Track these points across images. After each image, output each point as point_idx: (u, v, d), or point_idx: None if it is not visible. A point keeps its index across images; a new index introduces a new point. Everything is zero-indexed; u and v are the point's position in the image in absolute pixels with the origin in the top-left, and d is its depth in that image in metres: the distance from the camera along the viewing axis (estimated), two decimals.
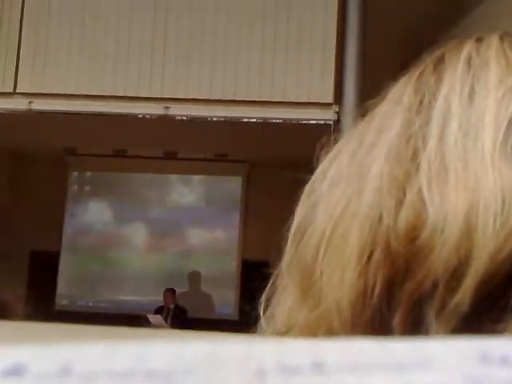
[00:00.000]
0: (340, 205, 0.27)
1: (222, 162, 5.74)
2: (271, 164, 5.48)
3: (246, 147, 5.14)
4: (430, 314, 0.23)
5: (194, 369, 0.11)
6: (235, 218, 5.90)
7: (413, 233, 0.24)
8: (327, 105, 4.14)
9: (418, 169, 0.25)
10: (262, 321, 0.31)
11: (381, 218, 0.25)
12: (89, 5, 4.27)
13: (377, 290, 0.24)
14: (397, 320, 0.24)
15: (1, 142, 4.87)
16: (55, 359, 0.11)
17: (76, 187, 6.04)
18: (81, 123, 4.54)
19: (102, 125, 4.54)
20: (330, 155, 0.31)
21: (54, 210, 5.76)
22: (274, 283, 0.32)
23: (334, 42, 4.07)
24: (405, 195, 0.25)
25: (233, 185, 5.93)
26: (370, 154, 0.28)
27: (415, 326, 0.23)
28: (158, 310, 4.75)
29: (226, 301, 5.73)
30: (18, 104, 4.35)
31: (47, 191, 5.65)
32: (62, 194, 5.91)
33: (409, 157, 0.26)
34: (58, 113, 4.33)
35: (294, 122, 4.29)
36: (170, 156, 5.72)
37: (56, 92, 4.29)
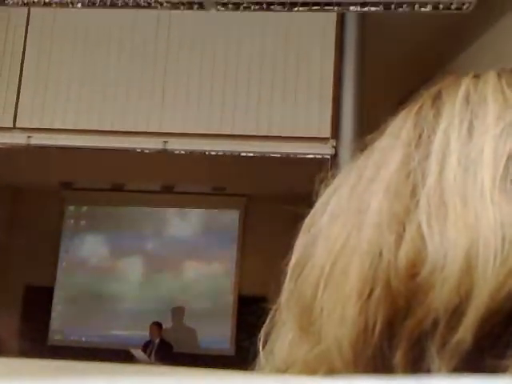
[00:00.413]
0: (340, 239, 0.27)
1: (219, 195, 5.75)
2: (269, 198, 5.49)
3: (244, 181, 5.15)
4: (432, 351, 0.23)
5: None
6: (232, 251, 5.87)
7: (413, 270, 0.24)
8: (324, 139, 4.18)
9: (417, 205, 0.25)
10: (261, 356, 0.31)
11: (381, 254, 0.25)
12: (90, 42, 4.34)
13: (377, 328, 0.24)
14: (398, 358, 0.23)
15: (0, 176, 4.89)
16: None
17: (72, 221, 6.02)
18: (79, 157, 4.56)
19: (100, 159, 4.56)
20: (330, 189, 0.31)
21: (50, 244, 5.73)
22: (272, 318, 0.31)
23: (332, 77, 4.13)
24: (404, 231, 0.25)
25: (230, 218, 5.92)
26: (369, 189, 0.28)
27: (417, 364, 0.23)
28: (147, 344, 4.68)
29: (222, 335, 5.65)
30: (17, 139, 4.37)
31: (43, 225, 5.64)
32: (57, 229, 5.89)
33: (408, 192, 0.26)
34: (56, 147, 4.35)
35: (291, 156, 4.31)
36: (168, 190, 5.73)
37: (55, 127, 4.33)
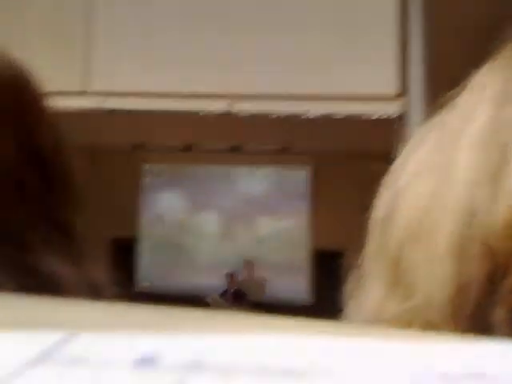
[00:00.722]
0: (425, 196, 0.26)
1: (287, 154, 5.76)
2: (337, 156, 5.42)
3: (310, 140, 5.11)
4: None
5: (332, 370, 0.10)
6: (303, 208, 5.93)
7: (511, 229, 0.23)
8: (392, 98, 4.01)
9: (509, 161, 0.24)
10: (348, 309, 0.31)
11: (474, 212, 0.24)
12: (156, 5, 4.39)
13: (477, 285, 0.23)
14: (498, 316, 0.23)
15: (77, 139, 5.15)
16: (187, 351, 0.11)
17: (149, 179, 6.32)
18: (150, 120, 4.71)
19: (171, 121, 4.69)
20: (410, 145, 0.30)
21: (130, 201, 6.07)
22: (357, 272, 0.31)
23: (399, 31, 3.92)
24: (498, 188, 0.24)
25: (299, 176, 5.94)
26: (456, 144, 0.26)
27: None
28: (223, 294, 4.93)
29: (296, 289, 5.81)
30: (91, 102, 4.58)
31: (122, 184, 5.95)
32: (135, 186, 6.21)
33: (499, 148, 0.25)
34: (128, 110, 4.53)
35: (357, 117, 4.19)
36: (236, 149, 5.81)
37: (126, 91, 4.48)
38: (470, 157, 0.25)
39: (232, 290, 4.91)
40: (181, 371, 0.10)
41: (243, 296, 4.91)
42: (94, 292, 0.36)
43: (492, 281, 0.23)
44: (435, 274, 0.25)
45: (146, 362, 0.10)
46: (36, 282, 0.31)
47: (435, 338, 0.15)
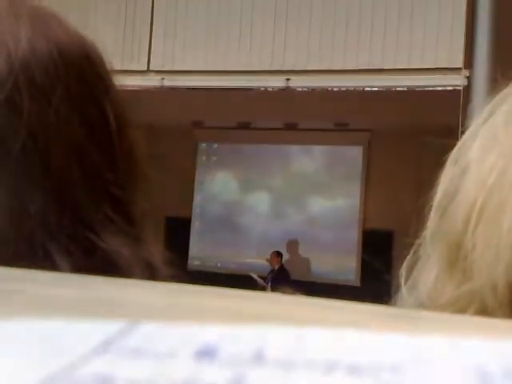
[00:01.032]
0: (495, 172, 0.25)
1: (342, 131, 5.69)
2: (393, 133, 5.31)
3: (367, 116, 5.03)
4: None
5: (401, 365, 0.10)
6: (356, 186, 5.86)
7: None
8: (457, 69, 3.88)
9: None
10: (403, 290, 0.30)
11: None
12: None
13: None
14: None
15: (136, 116, 5.28)
16: (247, 343, 0.11)
17: (204, 158, 6.39)
18: (208, 97, 4.76)
19: (228, 98, 4.72)
20: (480, 119, 0.28)
21: (185, 179, 6.17)
22: (415, 252, 0.30)
23: (465, 2, 3.77)
24: None
25: (354, 154, 5.86)
26: None
27: None
28: (268, 273, 4.99)
29: (347, 269, 5.77)
30: (151, 81, 4.67)
31: (178, 162, 6.05)
32: (191, 165, 6.30)
33: None
34: (187, 88, 4.59)
35: (419, 89, 4.09)
36: (291, 127, 5.79)
37: (185, 69, 4.54)
38: None
39: (276, 269, 4.94)
40: (241, 364, 0.10)
41: (287, 275, 4.94)
42: (150, 272, 0.36)
43: None
44: (500, 257, 0.23)
45: (206, 354, 0.10)
46: (96, 260, 0.32)
47: (500, 328, 0.15)
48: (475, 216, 0.25)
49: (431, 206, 0.29)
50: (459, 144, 0.29)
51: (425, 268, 0.29)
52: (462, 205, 0.26)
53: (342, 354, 0.11)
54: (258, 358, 0.10)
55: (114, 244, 0.33)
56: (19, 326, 0.12)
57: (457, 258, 0.26)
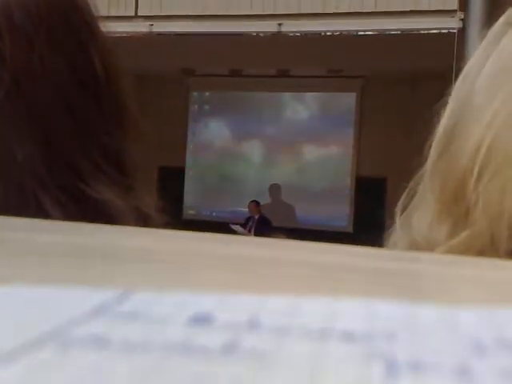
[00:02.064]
0: (504, 110, 0.22)
1: (336, 77, 5.61)
2: (387, 79, 5.25)
3: (361, 62, 4.94)
4: None
5: (394, 333, 0.10)
6: (349, 133, 5.83)
7: None
8: (451, 12, 3.80)
9: None
10: (398, 227, 0.29)
11: None
12: None
13: None
14: None
15: (125, 64, 5.17)
16: (242, 310, 0.11)
17: (196, 106, 6.31)
18: (199, 44, 4.65)
19: (219, 45, 4.62)
20: (487, 46, 0.25)
21: (177, 128, 6.11)
22: (412, 189, 0.29)
23: None
24: None
25: (347, 101, 5.80)
26: None
27: None
28: (247, 220, 5.02)
29: (339, 215, 5.84)
30: (140, 27, 4.54)
31: (169, 111, 5.98)
32: (183, 114, 6.23)
33: None
34: (176, 34, 4.47)
35: (413, 32, 4.01)
36: (284, 73, 5.70)
37: (174, 14, 4.41)
38: None
39: (256, 218, 4.98)
40: (236, 330, 0.10)
41: (268, 223, 5.00)
42: (143, 221, 0.36)
43: None
44: (502, 207, 0.22)
45: (202, 320, 0.10)
46: (88, 210, 0.31)
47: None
48: (479, 164, 0.23)
49: (432, 141, 0.27)
50: (463, 73, 0.26)
51: (420, 206, 0.28)
52: (466, 146, 0.24)
53: (336, 321, 0.11)
54: (253, 324, 0.10)
55: (106, 193, 0.33)
56: (15, 291, 0.12)
57: (455, 205, 0.24)
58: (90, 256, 0.16)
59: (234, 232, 4.74)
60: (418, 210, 0.28)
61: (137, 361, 0.09)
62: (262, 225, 4.94)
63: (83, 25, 0.33)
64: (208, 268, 0.15)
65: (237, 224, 4.91)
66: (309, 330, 0.10)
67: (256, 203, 5.18)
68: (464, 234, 0.24)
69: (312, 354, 0.09)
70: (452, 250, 0.24)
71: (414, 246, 0.27)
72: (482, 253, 0.23)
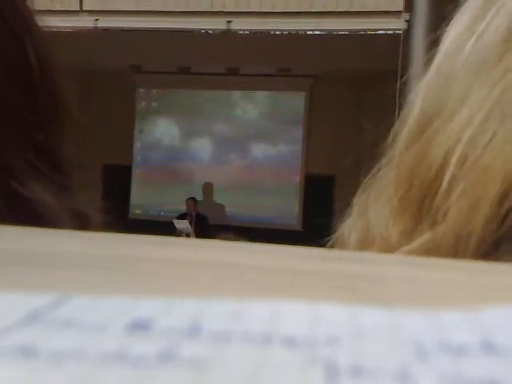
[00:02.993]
0: (479, 114, 0.19)
1: (285, 76, 5.65)
2: (336, 78, 5.33)
3: (310, 61, 5.00)
4: None
5: (337, 338, 0.10)
6: (299, 132, 5.90)
7: None
8: (397, 13, 3.90)
9: None
10: (354, 216, 0.28)
11: None
12: None
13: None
14: None
15: (69, 59, 5.02)
16: (182, 315, 0.11)
17: (143, 103, 6.21)
18: (146, 40, 4.58)
19: (167, 41, 4.56)
20: (465, 18, 0.22)
21: (124, 125, 5.99)
22: (372, 177, 0.28)
23: None
24: None
25: (296, 100, 5.86)
26: None
27: None
28: (182, 216, 5.01)
29: (289, 213, 5.89)
30: (85, 22, 4.42)
31: (116, 108, 5.85)
32: (130, 111, 6.11)
33: None
34: (122, 29, 4.38)
35: (360, 32, 4.09)
36: (233, 72, 5.69)
37: (121, 9, 4.32)
38: None
39: (194, 214, 4.98)
40: (175, 337, 0.10)
41: (204, 219, 5.01)
42: (80, 222, 0.34)
43: None
44: (475, 207, 0.20)
45: (139, 326, 0.10)
46: (20, 211, 0.30)
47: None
48: (452, 170, 0.20)
49: (397, 130, 0.25)
50: (437, 59, 0.23)
51: (380, 199, 0.26)
52: (438, 146, 0.21)
53: (279, 325, 0.10)
54: (194, 330, 0.10)
55: (40, 192, 0.31)
56: None
57: (420, 203, 0.22)
58: (20, 262, 0.15)
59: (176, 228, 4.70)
60: (377, 203, 0.26)
61: (65, 371, 0.08)
62: (201, 222, 4.94)
63: (17, 16, 0.31)
64: (147, 273, 0.14)
65: (182, 219, 4.88)
66: (250, 336, 0.10)
67: (194, 200, 5.17)
68: (425, 237, 0.22)
69: (251, 360, 0.09)
70: (413, 252, 0.22)
71: (370, 238, 0.26)
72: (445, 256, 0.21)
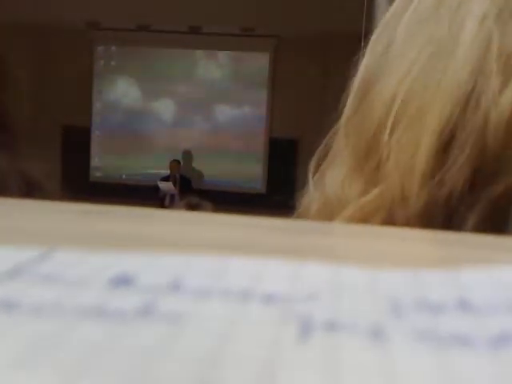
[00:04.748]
0: (420, 63, 0.21)
1: (248, 36, 5.54)
2: (300, 38, 5.26)
3: (274, 21, 4.91)
4: None
5: (316, 295, 0.10)
6: (263, 94, 5.83)
7: None
8: None
9: None
10: (311, 184, 0.28)
11: (477, 99, 0.19)
12: None
13: (456, 188, 0.20)
14: (472, 222, 0.20)
15: (22, 16, 4.78)
16: (164, 272, 0.11)
17: (102, 62, 5.99)
18: None
19: None
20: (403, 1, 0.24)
21: (82, 85, 5.78)
22: (326, 145, 0.28)
23: None
24: (510, 75, 0.19)
25: (260, 61, 5.76)
26: (465, 6, 0.21)
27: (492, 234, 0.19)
28: (165, 178, 4.95)
29: (253, 176, 5.88)
30: None
31: (73, 67, 5.64)
32: (88, 70, 5.89)
33: None
34: None
35: None
36: (195, 30, 5.53)
37: None
38: (480, 29, 0.20)
39: (178, 176, 4.92)
40: (155, 292, 0.10)
41: (188, 183, 4.97)
42: (28, 187, 0.31)
43: (475, 183, 0.20)
44: (413, 163, 0.21)
45: (122, 281, 0.10)
46: None
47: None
48: (394, 116, 0.22)
49: (347, 97, 0.26)
50: (383, 22, 0.25)
51: (334, 163, 0.27)
52: (382, 96, 0.23)
53: (260, 283, 0.11)
54: (174, 286, 0.10)
55: None
56: None
57: (368, 160, 0.23)
58: None
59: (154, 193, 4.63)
60: (332, 168, 0.27)
61: (44, 324, 0.09)
62: (185, 184, 4.88)
63: None
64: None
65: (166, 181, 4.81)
66: (230, 292, 0.10)
67: (177, 162, 5.09)
68: (375, 191, 0.23)
69: (228, 315, 0.09)
70: (363, 208, 0.23)
71: (328, 205, 0.26)
72: (391, 210, 0.22)
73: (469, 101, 0.20)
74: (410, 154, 0.21)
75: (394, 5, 0.25)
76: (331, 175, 0.26)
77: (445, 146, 0.20)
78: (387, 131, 0.22)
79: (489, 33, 0.20)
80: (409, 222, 0.21)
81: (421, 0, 0.23)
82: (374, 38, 0.25)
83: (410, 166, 0.21)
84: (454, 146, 0.20)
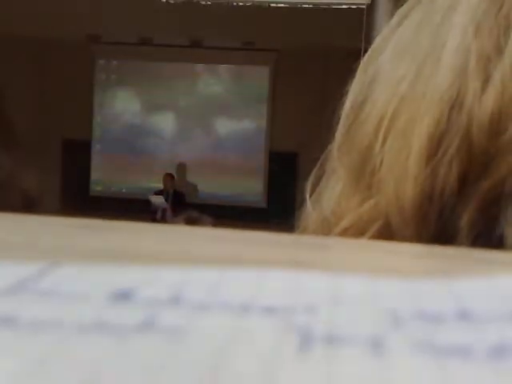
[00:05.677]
0: (406, 81, 0.23)
1: (249, 50, 5.57)
2: (300, 52, 5.29)
3: (274, 35, 4.95)
4: (509, 216, 0.20)
5: (315, 307, 0.10)
6: (263, 107, 5.85)
7: (498, 124, 0.20)
8: None
9: (504, 45, 0.20)
10: (308, 203, 0.29)
11: (461, 101, 0.21)
12: None
13: (448, 185, 0.21)
14: (465, 220, 0.21)
15: (23, 28, 4.81)
16: (164, 286, 0.11)
17: (103, 76, 6.02)
18: (105, 8, 4.42)
19: (127, 10, 4.41)
20: (393, 22, 0.26)
21: (83, 99, 5.80)
22: (321, 165, 0.29)
23: None
24: (489, 76, 0.20)
25: (261, 74, 5.79)
26: (447, 21, 0.22)
27: (487, 229, 0.20)
28: (158, 193, 4.93)
29: (253, 190, 5.88)
30: None
31: (74, 80, 5.66)
32: (89, 83, 5.92)
33: (499, 27, 0.21)
34: None
35: (324, 6, 4.06)
36: (197, 44, 5.57)
37: None
38: (463, 36, 0.22)
39: (171, 191, 4.91)
40: (155, 306, 0.10)
41: (182, 197, 4.95)
42: (26, 202, 0.31)
43: (465, 181, 0.21)
44: (406, 170, 0.22)
45: (121, 296, 0.10)
46: None
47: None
48: (384, 129, 0.23)
49: (339, 116, 0.27)
50: (371, 48, 0.27)
51: (330, 182, 0.28)
52: (371, 115, 0.24)
53: (259, 295, 0.11)
54: (174, 300, 0.10)
55: None
56: None
57: (363, 173, 0.24)
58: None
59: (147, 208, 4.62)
60: (329, 186, 0.28)
61: (43, 339, 0.09)
62: (177, 198, 4.86)
63: None
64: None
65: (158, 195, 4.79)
66: (229, 305, 0.10)
67: (171, 176, 5.08)
68: (371, 201, 0.24)
69: (228, 328, 0.09)
70: (360, 217, 0.24)
71: (326, 222, 0.27)
72: (388, 217, 0.23)
73: (454, 103, 0.21)
74: (402, 158, 0.22)
75: (385, 28, 0.26)
76: (328, 194, 0.27)
77: (435, 147, 0.21)
78: (379, 143, 0.23)
79: (469, 40, 0.21)
80: (405, 226, 0.22)
81: (409, 21, 0.25)
82: (364, 60, 0.27)
83: (402, 169, 0.22)
84: (443, 145, 0.21)
